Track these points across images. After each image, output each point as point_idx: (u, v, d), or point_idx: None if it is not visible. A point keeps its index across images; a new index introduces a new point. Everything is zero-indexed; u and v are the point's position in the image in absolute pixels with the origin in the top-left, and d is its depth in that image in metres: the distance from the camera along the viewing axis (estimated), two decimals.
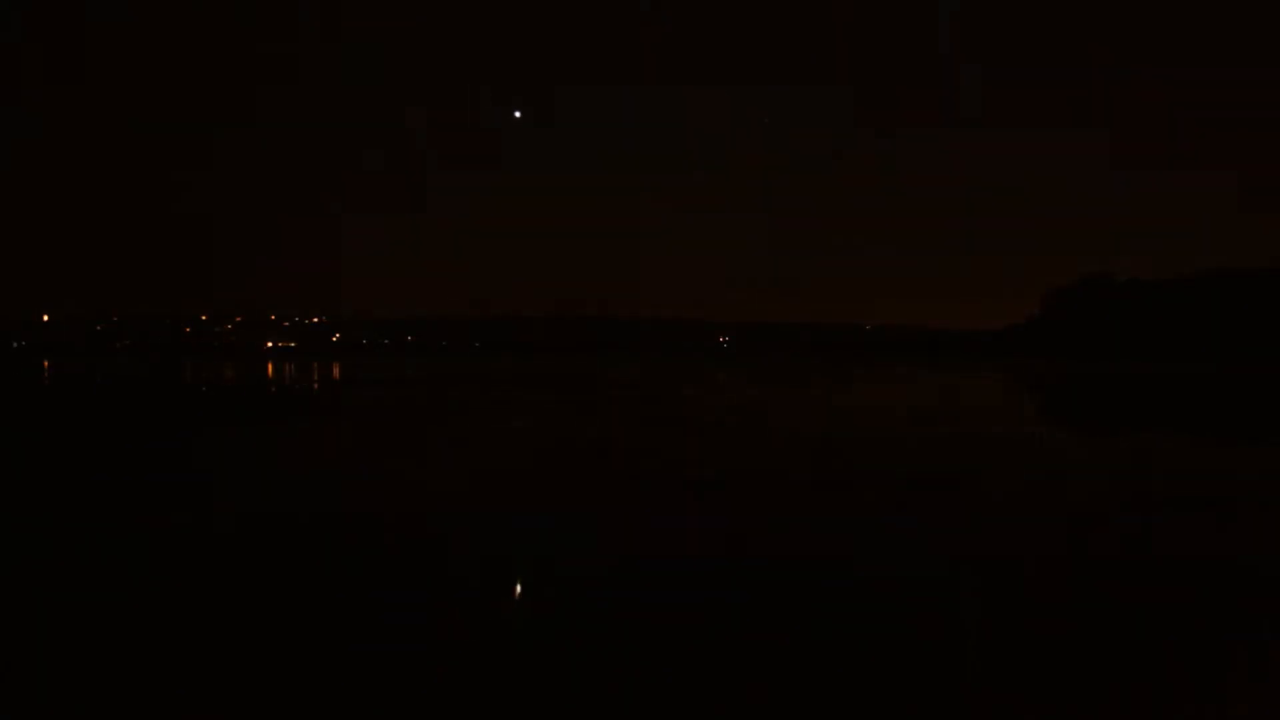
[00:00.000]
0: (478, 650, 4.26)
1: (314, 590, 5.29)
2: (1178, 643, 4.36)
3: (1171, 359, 71.34)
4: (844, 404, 23.11)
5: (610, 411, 20.51)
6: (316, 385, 33.43)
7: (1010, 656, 4.19)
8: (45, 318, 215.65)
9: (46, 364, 63.62)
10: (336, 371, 48.35)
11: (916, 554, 6.19)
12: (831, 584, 5.43)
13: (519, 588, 5.37)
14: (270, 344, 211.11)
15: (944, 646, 4.31)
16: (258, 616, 4.78)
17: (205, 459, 11.71)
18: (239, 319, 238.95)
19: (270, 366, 58.78)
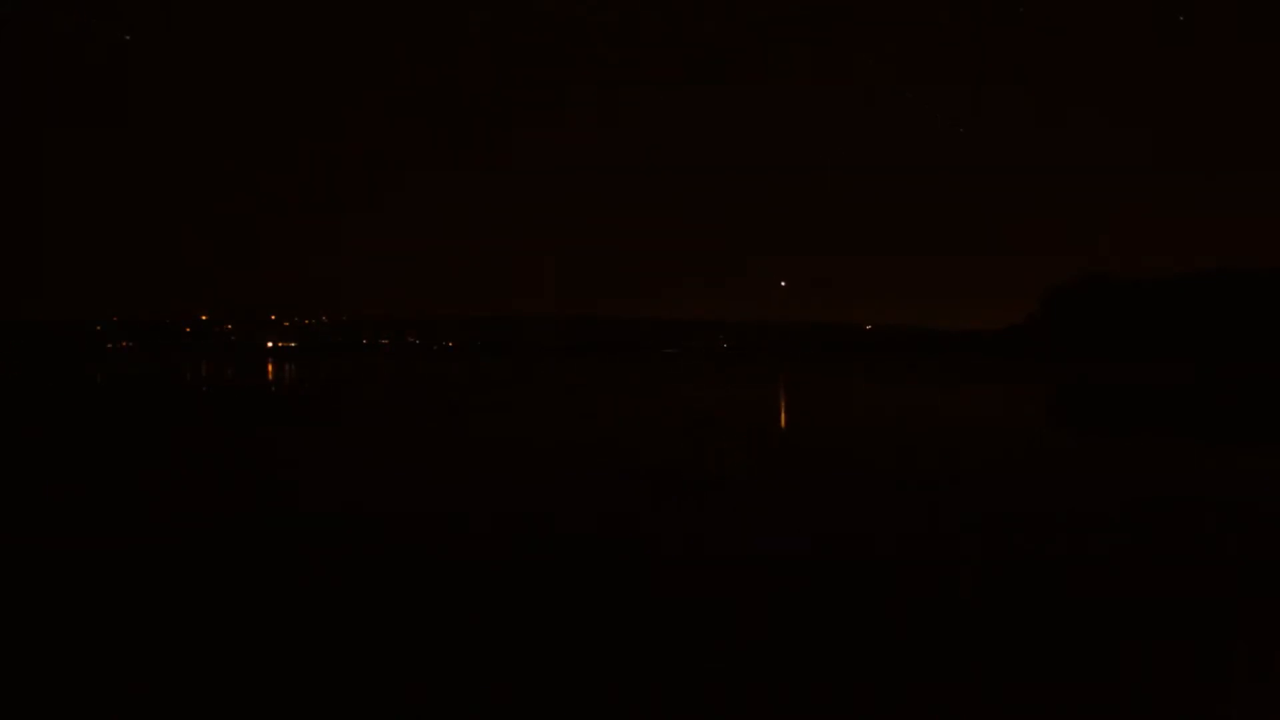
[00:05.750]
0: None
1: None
2: (1175, 642, 4.36)
3: (1172, 359, 71.31)
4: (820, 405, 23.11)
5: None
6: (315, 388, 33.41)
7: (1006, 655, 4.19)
8: (48, 318, 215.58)
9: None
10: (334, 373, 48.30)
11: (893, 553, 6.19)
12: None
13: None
14: (270, 344, 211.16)
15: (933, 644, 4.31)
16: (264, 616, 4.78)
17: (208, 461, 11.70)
18: (239, 319, 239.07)
19: (270, 367, 58.74)
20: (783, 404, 23.44)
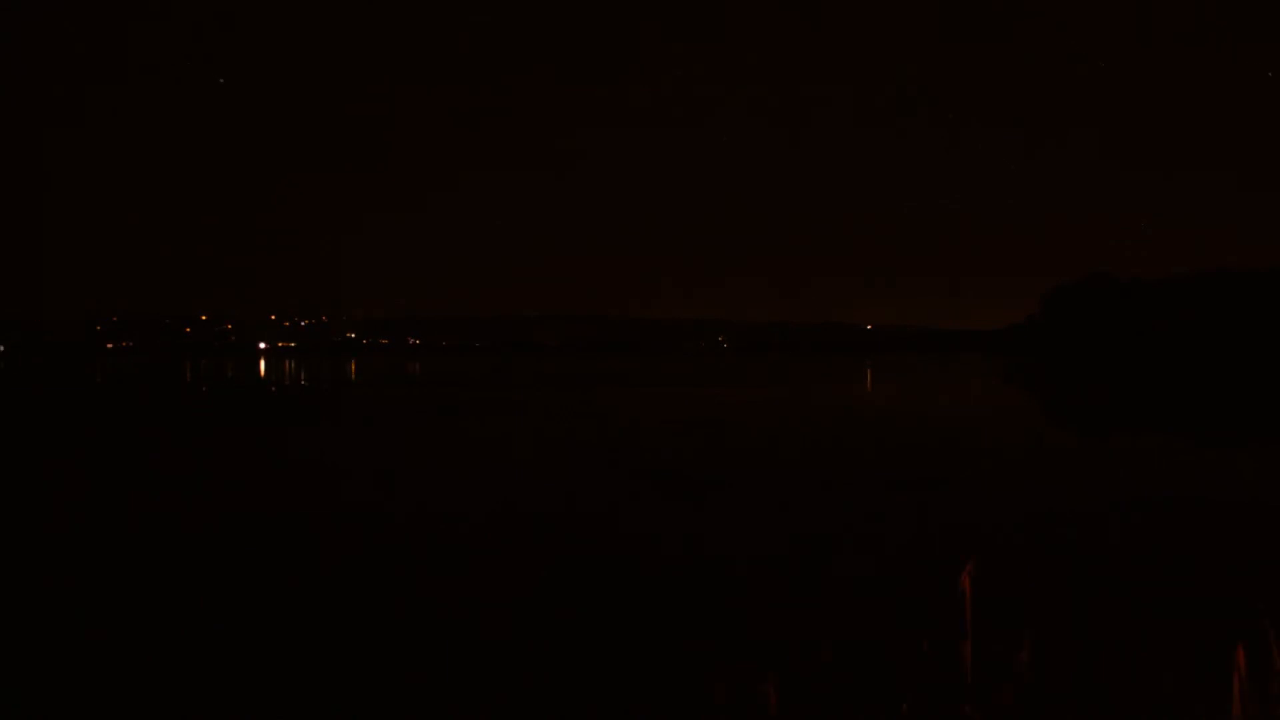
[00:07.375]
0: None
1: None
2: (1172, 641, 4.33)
3: (1171, 360, 71.25)
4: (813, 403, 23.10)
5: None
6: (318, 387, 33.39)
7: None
8: (46, 318, 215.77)
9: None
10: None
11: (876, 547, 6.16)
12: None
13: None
14: (270, 344, 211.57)
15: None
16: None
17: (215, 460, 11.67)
18: (239, 319, 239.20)
19: (265, 366, 58.66)
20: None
